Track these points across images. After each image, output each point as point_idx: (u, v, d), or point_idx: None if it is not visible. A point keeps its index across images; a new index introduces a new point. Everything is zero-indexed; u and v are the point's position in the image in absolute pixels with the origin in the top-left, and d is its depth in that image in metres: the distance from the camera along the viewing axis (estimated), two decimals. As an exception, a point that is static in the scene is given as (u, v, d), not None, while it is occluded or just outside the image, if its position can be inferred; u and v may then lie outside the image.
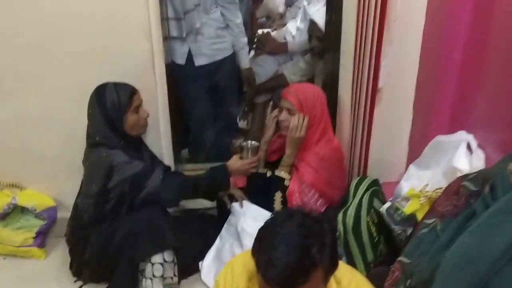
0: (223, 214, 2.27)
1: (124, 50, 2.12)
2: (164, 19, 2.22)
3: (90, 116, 1.98)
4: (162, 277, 1.95)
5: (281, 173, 2.16)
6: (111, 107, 1.93)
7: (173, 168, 2.39)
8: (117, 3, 2.04)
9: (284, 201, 2.12)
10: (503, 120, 1.74)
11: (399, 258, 1.50)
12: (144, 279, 1.95)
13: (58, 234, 2.37)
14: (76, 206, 2.09)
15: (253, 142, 2.22)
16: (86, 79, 2.05)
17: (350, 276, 1.25)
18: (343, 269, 1.24)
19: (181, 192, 2.05)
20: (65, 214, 2.30)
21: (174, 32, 2.42)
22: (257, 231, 1.12)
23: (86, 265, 2.05)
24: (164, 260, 1.94)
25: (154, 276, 1.93)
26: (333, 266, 1.10)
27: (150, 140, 2.27)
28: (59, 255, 2.33)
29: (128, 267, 1.92)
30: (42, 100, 2.20)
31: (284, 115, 2.12)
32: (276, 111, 2.20)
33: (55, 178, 2.36)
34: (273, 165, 2.25)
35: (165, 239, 1.93)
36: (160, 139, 2.30)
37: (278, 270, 1.00)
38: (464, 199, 1.39)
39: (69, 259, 2.17)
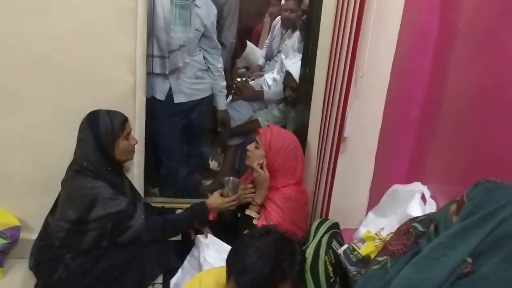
0: (186, 247, 2.31)
1: (108, 80, 2.20)
2: (149, 56, 2.34)
3: (81, 140, 2.00)
4: None
5: (252, 213, 2.20)
6: (104, 132, 1.97)
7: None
8: (107, 35, 2.13)
9: None
10: (454, 174, 1.90)
11: (351, 292, 1.59)
12: None
13: (18, 255, 2.35)
14: (47, 224, 2.08)
15: (235, 179, 2.24)
16: (67, 103, 2.12)
17: None
18: None
19: (162, 234, 2.08)
20: (27, 235, 2.31)
21: (157, 69, 2.55)
22: (218, 263, 1.19)
23: (55, 286, 2.00)
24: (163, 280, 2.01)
25: None
26: (298, 284, 1.18)
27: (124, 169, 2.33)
28: (16, 276, 2.30)
29: None
30: (20, 119, 2.23)
31: (251, 146, 2.22)
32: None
33: (23, 198, 2.35)
34: (244, 205, 2.30)
35: (170, 259, 2.04)
36: (133, 169, 2.36)
37: (251, 276, 1.08)
38: (413, 239, 1.50)
39: (28, 280, 2.14)
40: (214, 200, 2.17)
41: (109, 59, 2.18)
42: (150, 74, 2.48)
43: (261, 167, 2.17)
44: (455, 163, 1.90)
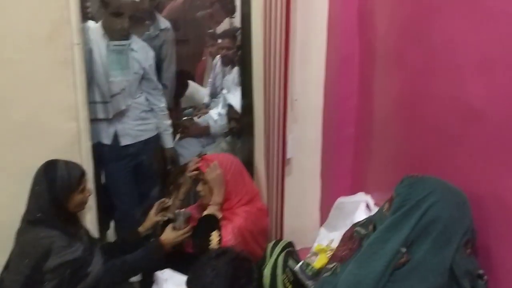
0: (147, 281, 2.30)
1: (52, 129, 2.18)
2: (91, 102, 2.39)
3: (34, 192, 1.96)
4: None
5: (214, 211, 2.18)
6: (60, 185, 1.93)
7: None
8: (47, 86, 2.14)
9: (221, 241, 2.12)
10: (392, 179, 2.01)
11: (307, 301, 1.66)
12: None
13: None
14: (1, 281, 2.01)
15: (186, 210, 2.26)
16: (12, 156, 2.12)
17: None
18: None
19: (122, 277, 2.08)
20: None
21: (100, 114, 2.58)
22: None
23: None
24: None
25: None
26: None
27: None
28: None
29: None
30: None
31: (199, 186, 2.26)
32: (194, 165, 2.30)
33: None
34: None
35: None
36: (85, 216, 2.35)
37: None
38: (357, 242, 1.59)
39: None
40: (168, 235, 2.18)
41: (51, 109, 2.19)
42: (94, 120, 2.51)
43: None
44: (390, 169, 2.05)
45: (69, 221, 2.04)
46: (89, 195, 2.09)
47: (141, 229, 2.31)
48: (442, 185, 1.37)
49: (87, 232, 2.21)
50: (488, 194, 1.37)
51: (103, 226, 2.55)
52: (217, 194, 2.20)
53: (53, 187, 1.93)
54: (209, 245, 2.11)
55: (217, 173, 2.20)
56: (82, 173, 2.03)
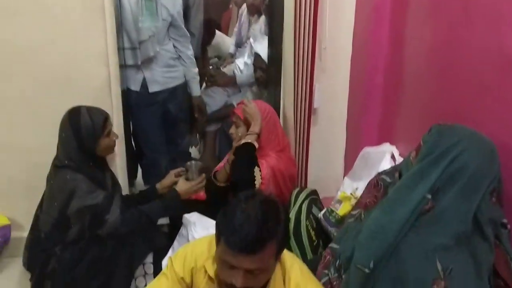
0: (175, 228, 2.40)
1: (83, 75, 2.27)
2: (120, 49, 2.42)
3: (62, 139, 2.02)
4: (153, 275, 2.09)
5: (252, 139, 2.17)
6: (85, 132, 1.98)
7: (127, 191, 2.51)
8: (78, 32, 2.21)
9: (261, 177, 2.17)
10: (419, 130, 2.01)
11: (330, 245, 1.70)
12: (134, 280, 2.08)
13: (11, 254, 2.42)
14: (36, 219, 2.13)
15: (197, 162, 2.31)
16: (47, 102, 2.19)
17: (292, 260, 1.41)
18: (286, 254, 1.40)
19: (138, 226, 2.13)
20: (19, 233, 2.37)
21: (129, 61, 2.61)
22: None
23: (49, 278, 2.06)
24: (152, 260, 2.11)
25: (146, 273, 2.09)
26: (284, 242, 1.26)
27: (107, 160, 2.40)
28: (11, 275, 2.36)
29: (125, 274, 2.06)
30: (1, 121, 2.29)
31: (232, 129, 2.30)
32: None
33: (10, 198, 2.42)
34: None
35: (157, 237, 2.13)
36: (115, 160, 2.44)
37: (240, 236, 1.15)
38: (382, 190, 1.62)
39: (22, 279, 2.20)
40: (182, 186, 2.25)
41: (82, 54, 2.25)
42: (123, 66, 2.54)
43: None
44: (418, 120, 2.03)
45: (97, 166, 2.10)
46: (116, 138, 2.14)
47: (158, 186, 2.35)
48: (471, 134, 1.37)
49: (113, 178, 2.27)
50: (517, 145, 1.36)
51: (131, 173, 2.62)
52: (255, 124, 2.20)
53: (79, 134, 1.98)
54: (254, 179, 2.15)
55: (253, 105, 2.22)
56: (106, 118, 2.07)
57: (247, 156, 2.16)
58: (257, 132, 2.19)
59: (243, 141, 2.18)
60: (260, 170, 2.17)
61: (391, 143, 2.23)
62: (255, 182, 2.15)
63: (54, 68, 2.25)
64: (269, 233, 1.17)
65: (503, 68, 1.43)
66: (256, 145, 2.17)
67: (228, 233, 1.17)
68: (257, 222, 1.16)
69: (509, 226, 1.38)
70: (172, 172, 2.36)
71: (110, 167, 2.33)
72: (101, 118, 2.04)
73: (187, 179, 2.27)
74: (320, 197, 2.42)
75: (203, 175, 2.30)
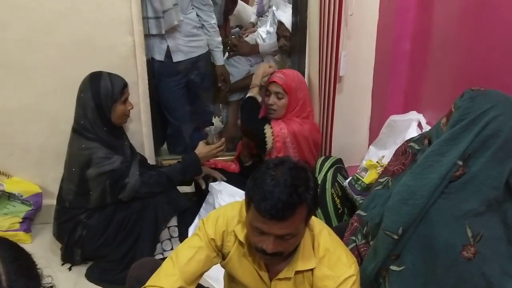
0: (202, 197, 2.44)
1: (108, 43, 2.27)
2: (144, 18, 2.41)
3: (80, 99, 2.08)
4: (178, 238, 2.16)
5: (254, 94, 2.36)
6: (104, 94, 2.04)
7: (153, 159, 2.55)
8: (102, 1, 2.20)
9: (273, 133, 2.27)
10: (447, 98, 1.98)
11: (357, 212, 1.71)
12: (160, 244, 2.16)
13: (43, 220, 2.50)
14: (60, 189, 2.19)
15: (216, 126, 2.35)
16: (72, 70, 2.20)
17: (321, 226, 1.42)
18: (315, 220, 1.41)
19: (159, 187, 2.17)
20: (50, 201, 2.43)
21: (153, 30, 2.60)
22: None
23: (78, 245, 2.15)
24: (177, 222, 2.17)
25: (172, 237, 2.15)
26: (314, 207, 1.26)
27: (132, 128, 2.43)
28: (44, 240, 2.44)
29: (150, 237, 2.13)
30: (29, 91, 2.32)
31: (272, 99, 2.27)
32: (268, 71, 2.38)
33: (41, 166, 2.47)
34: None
35: (180, 200, 2.18)
36: (141, 128, 2.46)
37: (271, 202, 1.15)
38: (410, 157, 1.60)
39: (53, 245, 2.29)
40: (201, 149, 2.29)
41: (107, 23, 2.25)
42: (147, 36, 2.54)
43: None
44: (447, 87, 1.99)
45: (112, 133, 2.14)
46: (131, 109, 2.18)
47: None
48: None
49: (131, 147, 2.32)
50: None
51: (157, 141, 2.65)
52: (256, 77, 2.34)
53: (97, 94, 2.04)
54: (265, 135, 2.25)
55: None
56: (125, 84, 2.12)
57: (252, 109, 2.31)
58: (258, 84, 2.32)
59: (248, 94, 2.35)
60: (271, 128, 2.25)
61: (418, 111, 2.19)
62: (266, 138, 2.25)
63: (80, 36, 2.25)
64: (299, 199, 1.18)
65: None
66: (259, 98, 2.28)
67: (258, 200, 1.18)
68: (286, 188, 1.17)
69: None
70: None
71: (133, 135, 2.39)
72: (121, 84, 2.10)
73: (207, 143, 2.31)
74: (345, 166, 2.43)
75: (223, 139, 2.34)
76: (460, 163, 1.32)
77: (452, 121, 1.37)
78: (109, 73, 2.11)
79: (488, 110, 1.30)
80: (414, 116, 2.18)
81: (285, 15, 2.90)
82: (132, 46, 2.29)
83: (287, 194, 1.16)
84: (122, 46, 2.29)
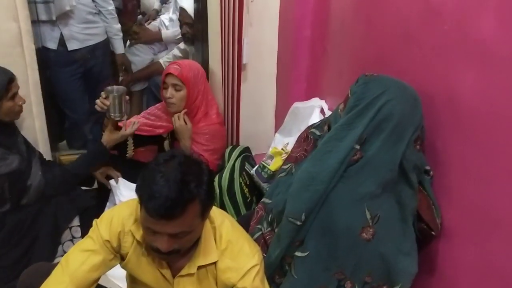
0: (106, 195, 2.31)
1: None
2: (31, 2, 2.21)
3: None
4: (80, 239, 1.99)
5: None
6: None
7: (49, 155, 2.37)
8: None
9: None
10: (346, 86, 2.04)
11: (262, 200, 1.71)
12: (61, 246, 2.01)
13: None
14: None
15: (119, 86, 2.10)
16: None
17: (222, 217, 1.37)
18: (216, 211, 1.36)
19: (65, 185, 2.05)
20: None
21: (43, 16, 2.41)
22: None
23: None
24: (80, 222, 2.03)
25: (74, 237, 2.01)
26: (210, 202, 1.21)
27: (24, 123, 2.23)
28: None
29: (50, 239, 1.99)
30: None
31: (170, 92, 2.16)
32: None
33: None
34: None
35: (82, 198, 2.06)
36: (34, 123, 2.27)
37: (159, 202, 1.08)
38: (312, 143, 1.63)
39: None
40: (108, 136, 2.13)
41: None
42: (36, 22, 2.34)
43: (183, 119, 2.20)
44: (346, 73, 2.04)
45: (3, 131, 1.96)
46: (23, 103, 1.99)
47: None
48: (395, 84, 1.39)
49: (26, 142, 2.13)
50: (438, 93, 1.40)
51: (54, 136, 2.47)
52: (184, 146, 2.22)
53: None
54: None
55: (189, 127, 2.20)
56: (11, 79, 1.91)
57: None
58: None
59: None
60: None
61: (320, 97, 2.24)
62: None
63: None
64: (190, 195, 1.12)
65: (427, 17, 1.45)
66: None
67: (146, 199, 1.12)
68: (176, 184, 1.11)
69: (431, 173, 1.44)
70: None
71: (25, 131, 2.18)
72: (5, 80, 1.87)
73: (107, 107, 2.04)
74: (253, 154, 2.43)
75: (133, 126, 2.15)
76: (357, 147, 1.35)
77: (348, 106, 1.41)
78: None
79: (381, 95, 1.35)
80: (317, 103, 2.22)
81: (187, 1, 2.81)
82: (17, 34, 2.08)
83: (177, 192, 1.10)
84: (5, 33, 2.07)
